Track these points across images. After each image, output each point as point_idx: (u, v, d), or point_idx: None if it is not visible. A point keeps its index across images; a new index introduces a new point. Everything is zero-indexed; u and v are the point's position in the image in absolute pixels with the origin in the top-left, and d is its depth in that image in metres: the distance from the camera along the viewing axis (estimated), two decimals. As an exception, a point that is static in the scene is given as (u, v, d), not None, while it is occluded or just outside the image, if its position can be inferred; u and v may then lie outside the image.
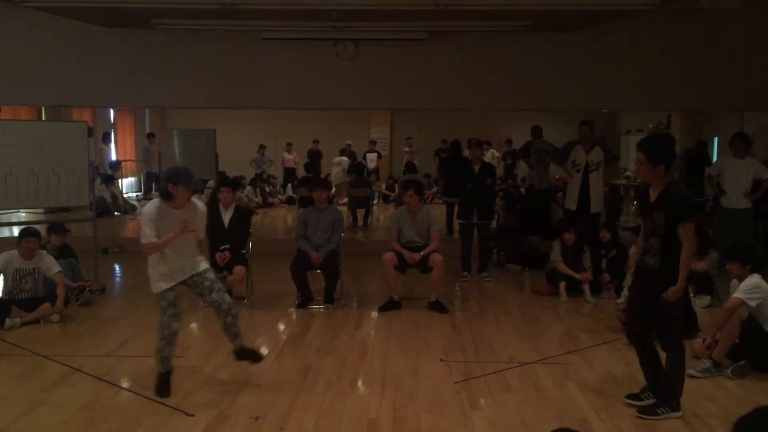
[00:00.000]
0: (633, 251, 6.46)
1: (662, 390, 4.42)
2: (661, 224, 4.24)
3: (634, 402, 4.54)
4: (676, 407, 4.37)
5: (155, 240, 4.51)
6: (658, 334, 4.44)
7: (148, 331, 5.95)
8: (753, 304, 5.15)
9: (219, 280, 4.94)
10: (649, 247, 4.36)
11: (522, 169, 12.74)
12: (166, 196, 4.57)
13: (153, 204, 4.62)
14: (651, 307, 4.34)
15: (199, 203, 4.85)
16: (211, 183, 13.00)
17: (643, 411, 4.39)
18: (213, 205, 7.49)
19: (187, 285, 4.77)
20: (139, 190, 17.72)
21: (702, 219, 9.03)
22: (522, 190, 12.08)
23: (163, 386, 4.68)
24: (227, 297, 4.85)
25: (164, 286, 4.63)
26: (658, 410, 4.35)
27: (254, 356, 4.97)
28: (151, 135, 17.06)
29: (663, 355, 4.47)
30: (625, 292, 6.80)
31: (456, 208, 9.22)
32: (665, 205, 4.22)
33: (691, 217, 4.19)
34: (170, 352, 4.75)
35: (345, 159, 16.12)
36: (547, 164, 10.46)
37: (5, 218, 11.51)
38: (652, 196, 4.33)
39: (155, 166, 16.79)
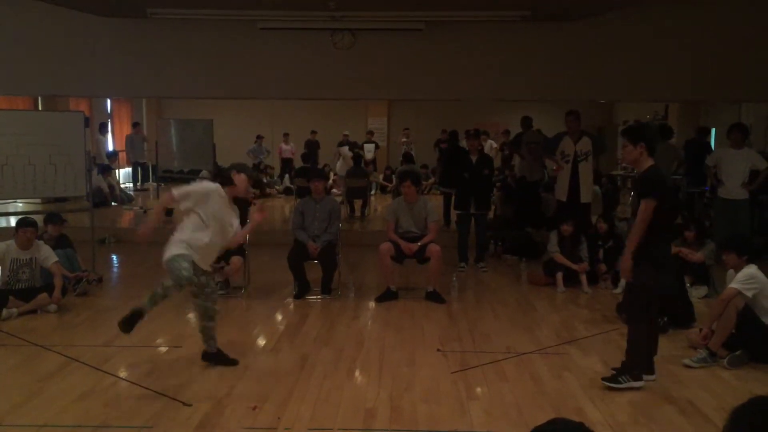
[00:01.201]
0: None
1: (625, 359, 4.68)
2: (635, 205, 4.65)
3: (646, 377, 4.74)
4: (638, 376, 4.60)
5: (175, 201, 4.72)
6: (623, 306, 4.82)
7: (147, 320, 5.95)
8: (749, 294, 5.17)
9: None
10: (631, 227, 4.76)
11: (517, 160, 12.69)
12: (228, 182, 4.87)
13: (210, 184, 4.89)
14: None
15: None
16: (204, 173, 12.99)
17: (607, 379, 4.64)
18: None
19: (192, 280, 4.71)
20: (136, 180, 17.69)
21: (680, 207, 9.12)
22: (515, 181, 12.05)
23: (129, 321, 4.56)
24: (217, 306, 5.04)
25: (184, 252, 4.68)
26: (620, 378, 4.61)
27: (224, 360, 5.05)
28: (136, 125, 17.01)
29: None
30: (622, 282, 6.81)
31: (453, 199, 9.23)
32: (636, 184, 4.55)
33: (649, 195, 4.43)
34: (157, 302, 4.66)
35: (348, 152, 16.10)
36: (537, 155, 10.43)
37: (2, 208, 11.48)
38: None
39: (142, 156, 16.76)
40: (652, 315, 4.73)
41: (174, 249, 4.67)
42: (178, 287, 4.61)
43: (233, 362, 5.05)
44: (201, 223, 4.75)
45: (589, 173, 8.25)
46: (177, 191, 4.73)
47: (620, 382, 4.58)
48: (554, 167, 8.64)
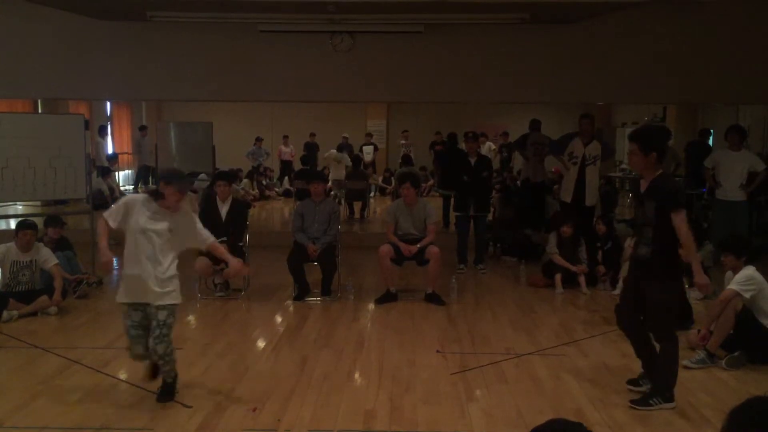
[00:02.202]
0: (628, 243, 6.50)
1: (655, 380, 4.46)
2: (651, 214, 4.28)
3: (633, 387, 4.62)
4: (669, 398, 4.38)
5: (109, 224, 4.26)
6: (650, 325, 4.46)
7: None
8: (747, 295, 5.18)
9: (169, 326, 4.32)
10: (642, 237, 4.41)
11: (517, 161, 12.69)
12: (155, 195, 4.37)
13: (140, 196, 4.44)
14: (644, 297, 4.37)
15: (190, 212, 4.59)
16: (202, 176, 12.99)
17: (636, 402, 4.42)
18: (209, 199, 7.52)
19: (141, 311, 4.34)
20: (138, 183, 17.70)
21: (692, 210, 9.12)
22: (518, 182, 12.10)
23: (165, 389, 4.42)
24: (161, 349, 4.28)
25: (123, 299, 4.33)
26: (651, 401, 4.38)
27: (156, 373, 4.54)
28: (143, 128, 17.02)
29: (657, 346, 4.51)
30: (621, 284, 6.82)
31: (452, 201, 9.25)
32: (655, 195, 4.27)
33: (680, 206, 4.25)
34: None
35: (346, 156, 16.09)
36: (543, 157, 10.46)
37: (2, 211, 11.46)
38: (643, 186, 4.38)
39: (149, 159, 16.77)
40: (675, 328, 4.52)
41: (118, 296, 4.36)
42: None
43: (171, 397, 4.47)
44: (130, 244, 4.30)
45: (595, 177, 8.33)
46: (106, 213, 4.32)
47: (651, 405, 4.36)
48: (553, 168, 8.67)
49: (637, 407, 4.37)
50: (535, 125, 11.08)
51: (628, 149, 4.44)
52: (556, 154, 8.82)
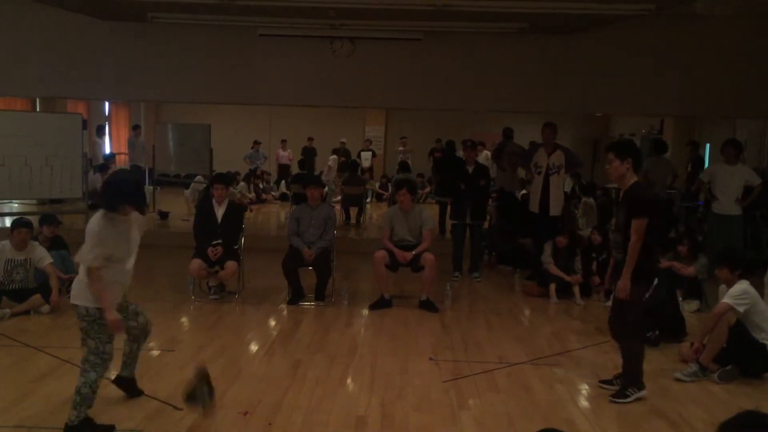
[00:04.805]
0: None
1: (626, 375, 4.74)
2: (623, 221, 4.57)
3: (605, 386, 4.90)
4: (642, 386, 4.71)
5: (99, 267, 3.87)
6: (612, 323, 4.82)
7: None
8: (741, 309, 5.19)
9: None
10: (615, 243, 4.75)
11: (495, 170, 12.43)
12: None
13: (98, 218, 3.94)
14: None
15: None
16: (199, 178, 12.97)
17: (615, 395, 4.70)
18: (206, 201, 7.52)
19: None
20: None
21: (669, 220, 9.19)
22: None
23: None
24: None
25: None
26: (627, 392, 4.68)
27: (134, 390, 4.50)
28: (136, 127, 16.99)
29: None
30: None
31: (449, 208, 9.25)
32: (626, 202, 4.57)
33: (643, 214, 4.47)
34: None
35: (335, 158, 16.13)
36: (516, 166, 10.42)
37: (-3, 209, 11.48)
38: (621, 195, 4.71)
39: (142, 160, 16.75)
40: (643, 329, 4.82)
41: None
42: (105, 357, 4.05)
43: (138, 393, 4.51)
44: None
45: (559, 187, 8.35)
46: (92, 259, 3.86)
47: (628, 396, 4.66)
48: (526, 177, 8.72)
49: (616, 400, 4.64)
50: (508, 134, 10.92)
51: (607, 160, 4.69)
52: (524, 164, 8.92)
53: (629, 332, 4.70)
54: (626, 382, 4.73)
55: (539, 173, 8.29)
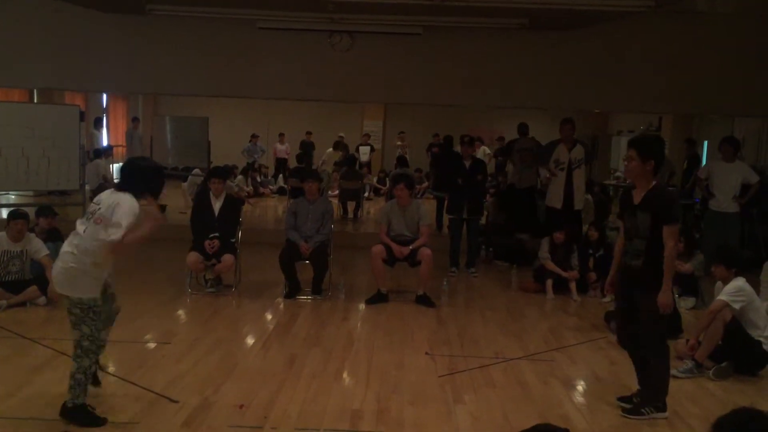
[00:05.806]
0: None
1: (646, 390, 4.44)
2: (646, 226, 4.23)
3: (622, 404, 4.52)
4: (662, 408, 4.37)
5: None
6: (643, 338, 4.39)
7: (136, 316, 5.99)
8: (737, 307, 5.20)
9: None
10: (632, 249, 4.34)
11: (510, 166, 12.61)
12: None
13: (133, 199, 4.00)
14: (637, 308, 4.33)
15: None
16: (196, 171, 12.96)
17: (629, 411, 4.41)
18: (204, 194, 7.51)
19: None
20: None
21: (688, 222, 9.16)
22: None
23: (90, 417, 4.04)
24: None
25: (97, 293, 4.08)
26: (643, 410, 4.36)
27: (95, 379, 4.42)
28: (135, 119, 16.95)
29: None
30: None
31: (446, 203, 9.25)
32: (651, 207, 4.22)
33: (676, 220, 4.23)
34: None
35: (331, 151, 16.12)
36: (529, 163, 10.39)
37: (-6, 200, 11.45)
38: (636, 197, 4.32)
39: (137, 152, 16.71)
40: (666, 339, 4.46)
41: (90, 289, 4.05)
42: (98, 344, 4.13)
43: (97, 382, 4.46)
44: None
45: (582, 180, 8.42)
46: (121, 234, 3.86)
47: (643, 414, 4.34)
48: (546, 175, 8.69)
49: (629, 416, 4.36)
50: (522, 130, 11.01)
51: (626, 155, 4.38)
52: (541, 163, 8.91)
53: (660, 348, 4.36)
54: (645, 399, 4.39)
55: (562, 169, 8.30)
